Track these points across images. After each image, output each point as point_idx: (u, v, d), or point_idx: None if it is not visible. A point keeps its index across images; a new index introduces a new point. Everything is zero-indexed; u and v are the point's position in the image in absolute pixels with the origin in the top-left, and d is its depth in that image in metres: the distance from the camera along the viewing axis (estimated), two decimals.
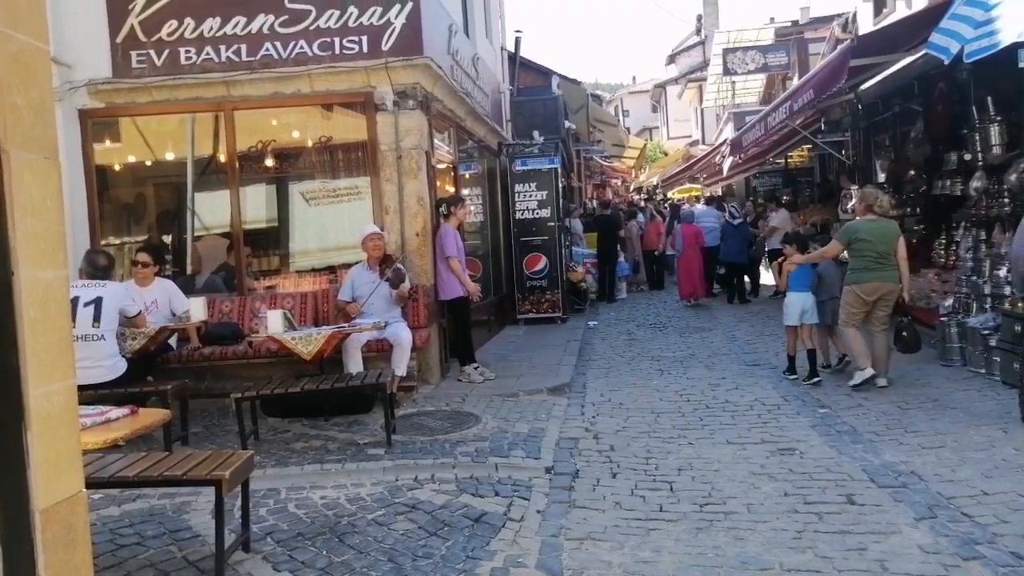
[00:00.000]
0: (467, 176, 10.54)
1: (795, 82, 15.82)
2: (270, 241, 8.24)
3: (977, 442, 4.83)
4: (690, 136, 35.46)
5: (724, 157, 16.50)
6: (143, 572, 3.53)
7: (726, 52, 21.54)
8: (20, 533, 1.44)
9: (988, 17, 6.11)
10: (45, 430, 1.50)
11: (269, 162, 7.92)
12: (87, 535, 1.63)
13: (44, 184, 1.53)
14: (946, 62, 6.49)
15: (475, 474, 4.74)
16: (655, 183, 32.00)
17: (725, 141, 18.82)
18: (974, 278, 7.17)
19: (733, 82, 23.67)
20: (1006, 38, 5.76)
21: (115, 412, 3.17)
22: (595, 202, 21.00)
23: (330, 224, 8.12)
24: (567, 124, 15.07)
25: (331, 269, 7.93)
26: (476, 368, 7.52)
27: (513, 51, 13.91)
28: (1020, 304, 5.40)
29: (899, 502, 3.99)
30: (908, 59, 8.22)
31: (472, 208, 10.38)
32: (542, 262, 11.37)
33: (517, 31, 15.17)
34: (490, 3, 12.39)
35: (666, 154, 35.97)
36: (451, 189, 9.19)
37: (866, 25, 14.35)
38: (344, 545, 3.80)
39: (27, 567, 1.45)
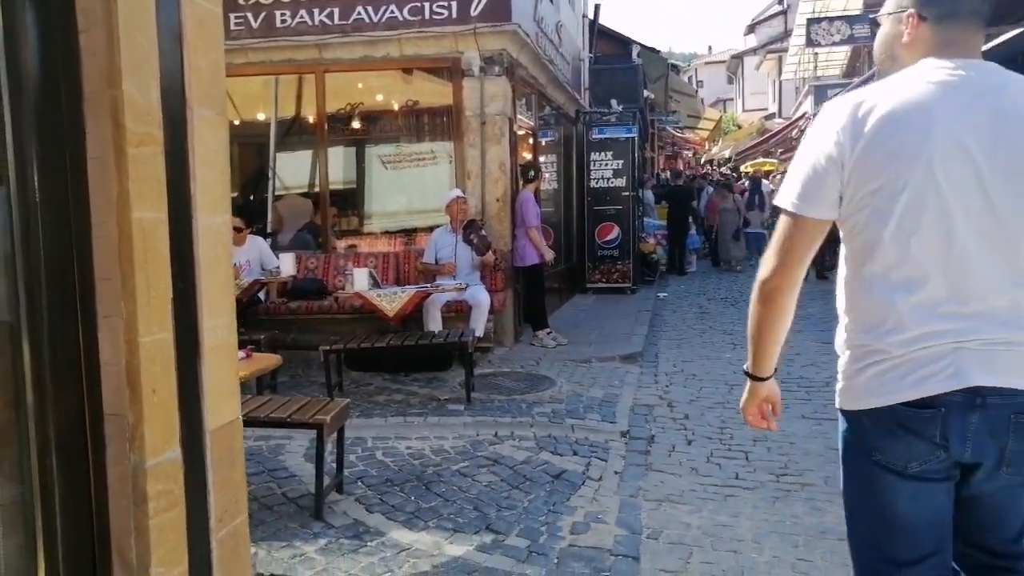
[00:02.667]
0: (544, 143, 10.58)
1: None
2: (352, 202, 8.49)
3: None
4: (766, 109, 34.59)
5: (802, 132, 16.11)
6: (249, 504, 3.78)
7: (810, 22, 20.84)
8: (197, 451, 1.62)
9: None
10: (213, 360, 1.67)
11: (355, 124, 8.13)
12: (242, 456, 1.81)
13: (217, 138, 1.69)
14: None
15: (553, 433, 4.88)
16: (728, 156, 31.39)
17: (804, 115, 18.35)
18: None
19: (816, 54, 22.93)
20: None
21: None
22: (667, 173, 20.79)
23: (411, 187, 8.31)
24: (645, 93, 14.91)
25: (410, 231, 8.16)
26: (549, 333, 7.65)
27: (593, 18, 13.79)
28: None
29: None
30: (1014, 31, 7.89)
31: (547, 176, 10.45)
32: (614, 232, 11.37)
33: None
34: None
35: (739, 127, 35.19)
36: (529, 156, 9.27)
37: None
38: (431, 492, 4.00)
39: (200, 481, 1.64)
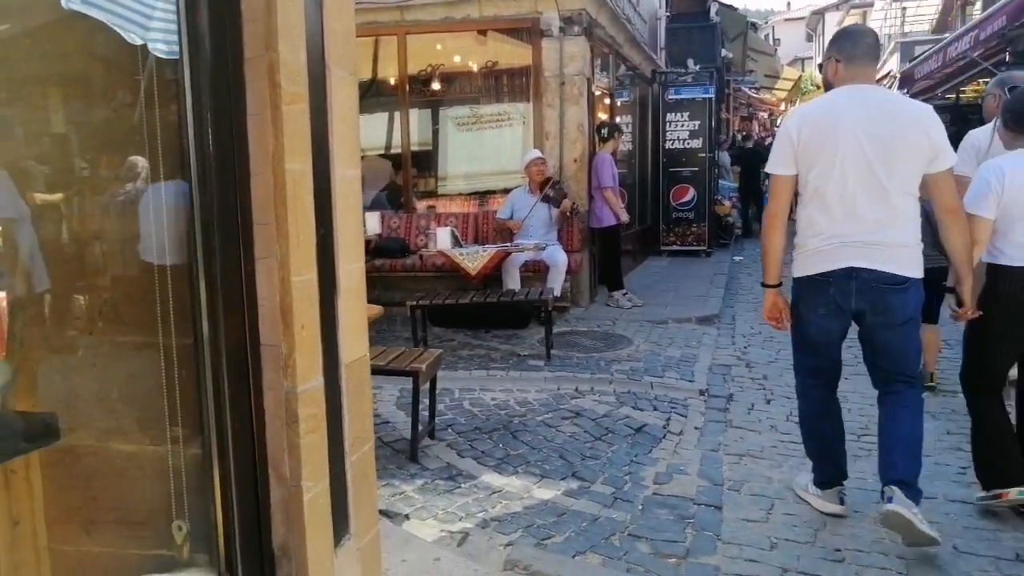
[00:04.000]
0: (620, 103, 10.53)
1: (978, 7, 14.56)
2: (431, 163, 8.65)
3: None
4: None
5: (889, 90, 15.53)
6: None
7: None
8: (335, 381, 1.79)
9: None
10: (348, 300, 1.84)
11: (436, 86, 8.25)
12: (370, 389, 1.99)
13: (350, 96, 1.83)
14: None
15: (632, 390, 5.00)
16: None
17: (889, 73, 17.63)
18: None
19: (904, 8, 22.00)
20: None
21: None
22: (742, 135, 20.35)
23: (488, 148, 8.42)
24: (723, 52, 14.60)
25: (485, 193, 8.29)
26: (625, 294, 7.72)
27: None
28: None
29: None
30: None
31: (624, 137, 10.41)
32: (690, 193, 11.29)
33: None
34: None
35: (818, 87, 33.95)
36: (605, 116, 9.26)
37: None
38: (518, 440, 4.17)
39: (337, 409, 1.81)
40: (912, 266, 3.00)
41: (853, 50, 3.06)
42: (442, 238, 6.39)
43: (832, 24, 35.46)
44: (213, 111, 1.50)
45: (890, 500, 2.93)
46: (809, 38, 41.60)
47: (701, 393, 4.99)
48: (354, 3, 1.86)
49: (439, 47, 8.24)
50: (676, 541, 3.11)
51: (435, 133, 8.64)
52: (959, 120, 17.13)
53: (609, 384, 5.11)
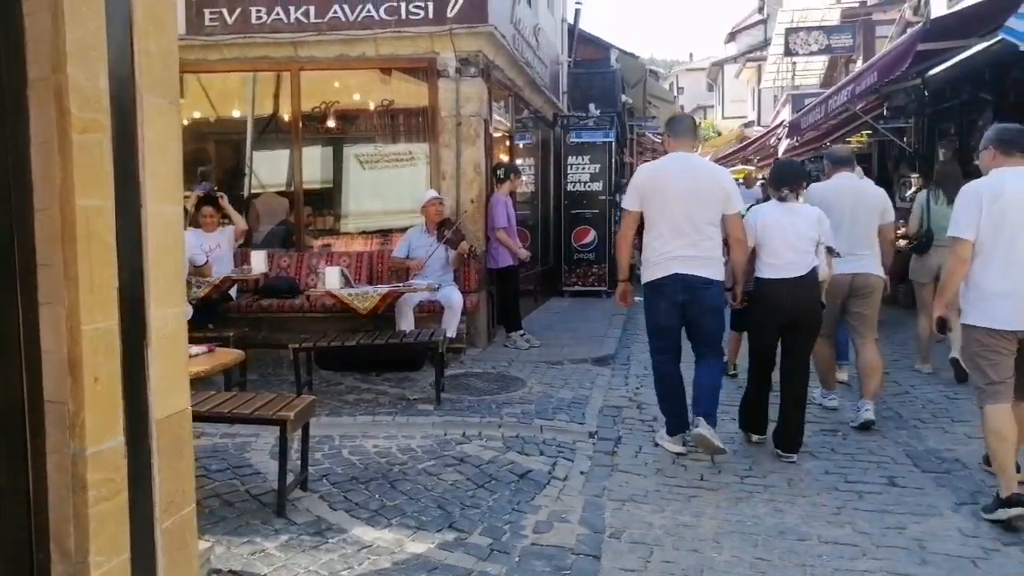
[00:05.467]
0: (521, 146, 10.61)
1: (859, 65, 15.48)
2: (327, 201, 8.45)
3: None
4: (745, 116, 34.82)
5: (780, 139, 16.23)
6: (210, 500, 3.76)
7: (788, 32, 21.06)
8: (141, 440, 1.61)
9: None
10: (161, 349, 1.67)
11: (331, 123, 8.11)
12: (191, 448, 1.81)
13: (168, 126, 1.68)
14: (1022, 48, 6.33)
15: (521, 434, 4.89)
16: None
17: (782, 123, 18.50)
18: None
19: (794, 63, 23.17)
20: None
21: (195, 348, 3.38)
22: None
23: (386, 187, 8.29)
24: (623, 98, 15.00)
25: (385, 232, 8.13)
26: (522, 335, 7.66)
27: (573, 23, 13.84)
28: None
29: (941, 487, 4.04)
30: (981, 45, 8.01)
31: (524, 179, 10.47)
32: (591, 235, 11.43)
33: (577, 3, 15.06)
34: None
35: (719, 134, 35.43)
36: (506, 158, 9.28)
37: (940, 8, 13.93)
38: (396, 491, 3.99)
39: (145, 468, 1.62)
40: (715, 272, 4.54)
41: (678, 129, 4.79)
42: (331, 278, 6.18)
43: (730, 75, 37.26)
44: None
45: (697, 426, 4.38)
46: (710, 88, 43.48)
47: (590, 436, 4.92)
48: (176, 26, 1.71)
49: (336, 84, 8.11)
50: None
51: (336, 170, 8.46)
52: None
53: (498, 428, 4.98)
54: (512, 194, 7.95)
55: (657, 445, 4.71)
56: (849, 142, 16.90)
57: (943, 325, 4.01)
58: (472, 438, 4.80)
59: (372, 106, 8.08)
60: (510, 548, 3.36)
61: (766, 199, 5.46)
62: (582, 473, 4.30)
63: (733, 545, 3.40)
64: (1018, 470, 3.69)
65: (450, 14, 7.10)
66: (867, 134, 15.21)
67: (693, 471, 4.32)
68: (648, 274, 4.57)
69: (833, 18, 21.73)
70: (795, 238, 4.51)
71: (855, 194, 5.31)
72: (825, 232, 4.63)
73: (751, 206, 5.51)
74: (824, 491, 4.01)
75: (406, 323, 6.57)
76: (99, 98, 1.48)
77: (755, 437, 4.80)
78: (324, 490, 3.99)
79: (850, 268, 5.07)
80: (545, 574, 3.14)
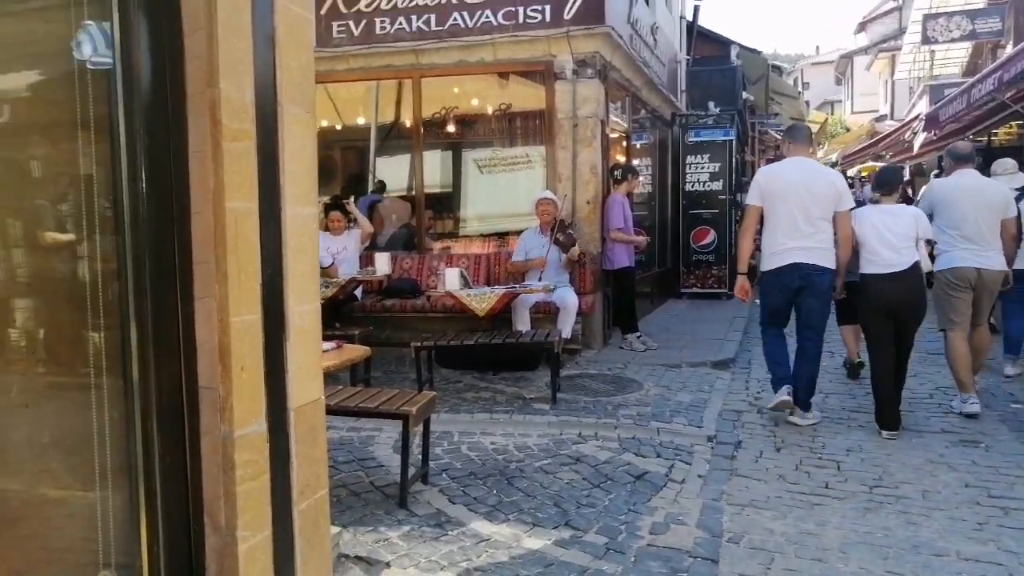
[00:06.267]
0: (638, 146, 10.53)
1: (1008, 50, 14.40)
2: (446, 205, 8.68)
3: None
4: (877, 110, 33.04)
5: (916, 133, 15.32)
6: (338, 490, 3.96)
7: (927, 18, 19.85)
8: (281, 426, 1.73)
9: None
10: (298, 342, 1.79)
11: (450, 128, 8.32)
12: (324, 435, 1.92)
13: (305, 134, 1.80)
14: None
15: (637, 435, 4.87)
16: (834, 160, 30.21)
17: (918, 116, 17.45)
18: None
19: (932, 51, 21.79)
20: None
21: (324, 345, 3.57)
22: None
23: (503, 190, 8.44)
24: (744, 95, 14.59)
25: (502, 234, 8.27)
26: (639, 337, 7.60)
27: (692, 20, 13.59)
28: None
29: None
30: None
31: (642, 179, 10.37)
32: (710, 236, 11.19)
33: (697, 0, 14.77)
34: None
35: (848, 129, 33.81)
36: (622, 159, 9.24)
37: None
38: (513, 487, 4.06)
39: (284, 455, 1.75)
40: (828, 261, 5.07)
41: (797, 136, 5.52)
42: (450, 279, 6.35)
43: (860, 68, 35.47)
44: (147, 148, 1.47)
45: (788, 395, 5.12)
46: (838, 81, 41.56)
47: (708, 440, 4.84)
48: (313, 42, 1.83)
49: (456, 89, 8.33)
50: None
51: (455, 174, 8.69)
52: (992, 162, 16.89)
53: (614, 429, 4.98)
54: (629, 195, 7.90)
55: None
56: (996, 134, 15.81)
57: None
58: (588, 438, 4.82)
59: (490, 110, 8.24)
60: (626, 548, 3.36)
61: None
62: (700, 476, 4.24)
63: (861, 556, 3.26)
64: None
65: (567, 16, 7.15)
66: (1017, 125, 14.13)
67: (817, 479, 4.17)
68: (768, 263, 5.18)
69: (978, 2, 20.31)
70: (892, 236, 4.94)
71: (977, 191, 5.43)
72: (923, 229, 5.03)
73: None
74: (964, 504, 3.78)
75: (522, 324, 6.66)
76: (247, 109, 1.61)
77: (887, 434, 4.91)
78: (444, 484, 4.12)
79: (974, 263, 5.31)
80: (661, 575, 3.12)
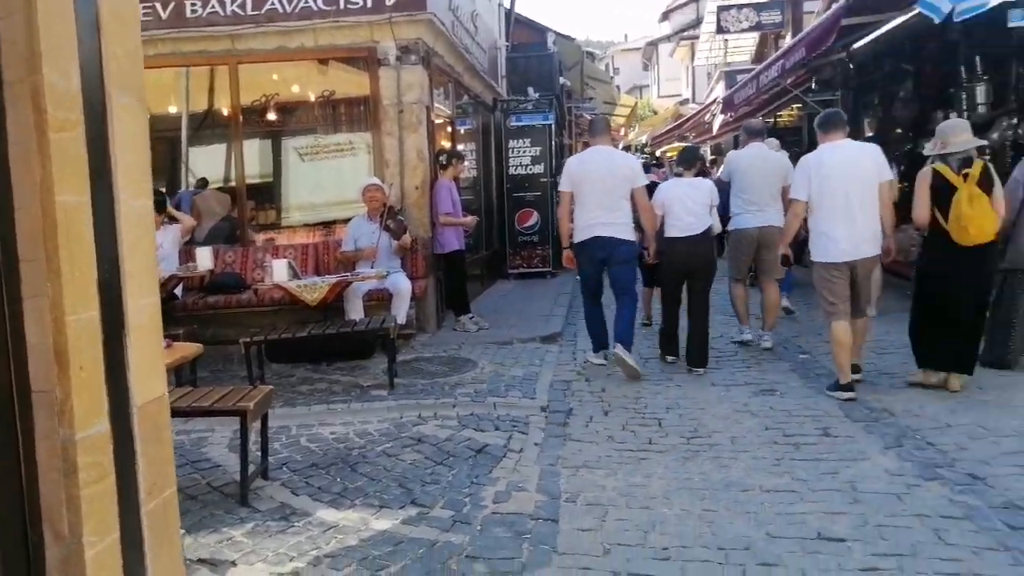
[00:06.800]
0: (463, 131, 10.69)
1: (788, 41, 15.94)
2: (268, 195, 8.42)
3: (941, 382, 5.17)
4: (680, 95, 35.39)
5: (714, 116, 16.63)
6: None
7: (720, 9, 21.49)
8: (124, 425, 1.70)
9: None
10: (139, 338, 1.75)
11: (271, 116, 8.06)
12: (169, 431, 1.89)
13: (136, 123, 1.76)
14: (937, 21, 6.64)
15: (475, 412, 5.04)
16: (644, 141, 32.07)
17: (716, 100, 18.93)
18: None
19: (726, 40, 23.65)
20: None
21: None
22: None
23: (329, 178, 8.30)
24: (561, 80, 15.16)
25: (329, 223, 8.15)
26: (471, 318, 7.80)
27: (509, 7, 13.92)
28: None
29: (870, 434, 4.34)
30: (901, 18, 8.39)
31: (467, 164, 10.56)
32: (534, 217, 11.60)
33: None
34: None
35: (655, 112, 35.97)
36: (448, 144, 9.36)
37: None
38: (356, 473, 4.10)
39: (129, 452, 1.72)
40: (627, 234, 5.83)
41: (596, 129, 6.39)
42: (278, 270, 6.21)
43: (664, 54, 37.75)
44: None
45: (616, 348, 5.71)
46: (645, 67, 44.02)
47: (542, 410, 5.10)
48: (139, 28, 1.79)
49: (275, 76, 8.07)
50: (513, 558, 3.14)
51: (276, 164, 8.42)
52: (779, 141, 18.54)
53: (453, 408, 5.13)
54: (456, 179, 8.05)
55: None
56: (781, 116, 17.47)
57: (787, 260, 5.64)
58: (428, 419, 4.94)
59: (312, 97, 8.07)
60: (471, 518, 3.51)
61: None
62: (536, 445, 4.48)
63: (682, 500, 3.61)
64: (857, 371, 5.18)
65: (389, 2, 7.13)
66: (797, 107, 15.70)
67: (642, 436, 4.54)
68: (578, 236, 5.91)
69: None
70: (693, 204, 5.90)
71: (764, 160, 6.60)
72: (714, 197, 6.04)
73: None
74: (764, 445, 4.27)
75: (356, 312, 6.64)
76: (73, 97, 1.55)
77: (670, 358, 6.24)
78: (285, 477, 4.08)
79: (757, 222, 6.46)
80: (507, 539, 3.30)
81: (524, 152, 11.59)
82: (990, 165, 4.96)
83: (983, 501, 3.42)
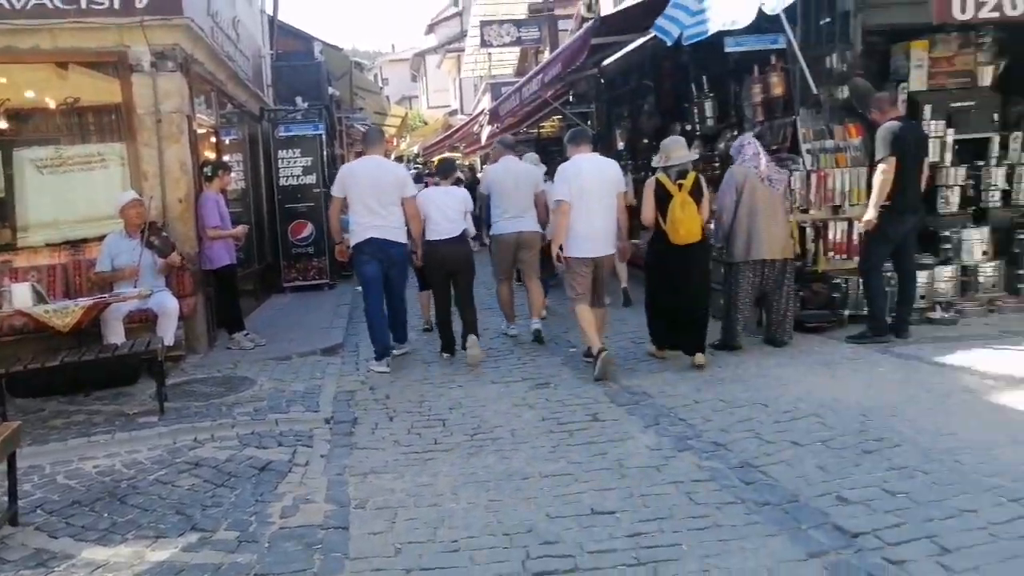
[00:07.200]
0: (228, 142, 10.22)
1: (546, 56, 16.93)
2: (6, 212, 7.50)
3: (690, 364, 5.82)
4: (449, 105, 36.28)
5: (482, 126, 17.27)
6: None
7: (483, 24, 22.34)
8: None
9: (701, 7, 7.11)
10: None
11: (2, 124, 7.21)
12: None
13: None
14: (669, 43, 7.44)
15: (256, 430, 4.89)
16: (416, 151, 32.43)
17: (483, 111, 19.64)
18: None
19: (490, 54, 24.62)
20: (713, 27, 6.76)
21: None
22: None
23: (76, 193, 7.54)
24: (330, 90, 14.96)
25: (78, 242, 7.41)
26: (246, 335, 7.50)
27: (272, 15, 13.51)
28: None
29: (632, 415, 4.78)
30: (641, 40, 9.26)
31: (234, 175, 10.10)
32: (308, 229, 11.36)
33: None
34: None
35: (426, 123, 36.49)
36: (212, 155, 8.91)
37: (608, 6, 15.69)
38: (127, 506, 3.83)
39: None
40: (400, 236, 6.29)
41: (370, 140, 6.81)
42: (20, 295, 5.58)
43: (432, 66, 38.45)
44: None
45: (394, 350, 6.62)
46: (414, 78, 44.50)
47: (327, 422, 5.05)
48: None
49: (3, 80, 7.22)
50: (305, 569, 3.11)
51: (7, 178, 7.51)
52: (544, 151, 19.69)
53: (232, 428, 4.92)
54: (223, 191, 7.70)
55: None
56: (544, 127, 18.51)
57: (559, 258, 5.99)
58: (205, 442, 4.71)
59: (53, 104, 7.32)
60: (259, 536, 3.42)
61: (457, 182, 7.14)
62: (322, 456, 4.44)
63: (468, 494, 3.77)
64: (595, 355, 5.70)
65: (139, 5, 6.64)
66: (559, 119, 16.74)
67: (427, 437, 4.65)
68: (354, 239, 6.25)
69: (521, 12, 23.41)
70: (449, 211, 6.51)
71: (516, 172, 7.14)
72: (468, 204, 6.72)
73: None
74: (542, 435, 4.55)
75: (115, 336, 6.12)
76: None
77: (445, 355, 6.71)
78: (40, 521, 3.71)
79: (515, 227, 6.97)
80: (297, 552, 3.26)
81: (295, 162, 11.32)
82: (701, 177, 5.93)
83: (724, 464, 3.92)
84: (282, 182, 11.28)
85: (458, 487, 3.86)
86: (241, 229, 7.66)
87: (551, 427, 4.69)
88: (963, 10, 5.83)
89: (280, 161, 11.26)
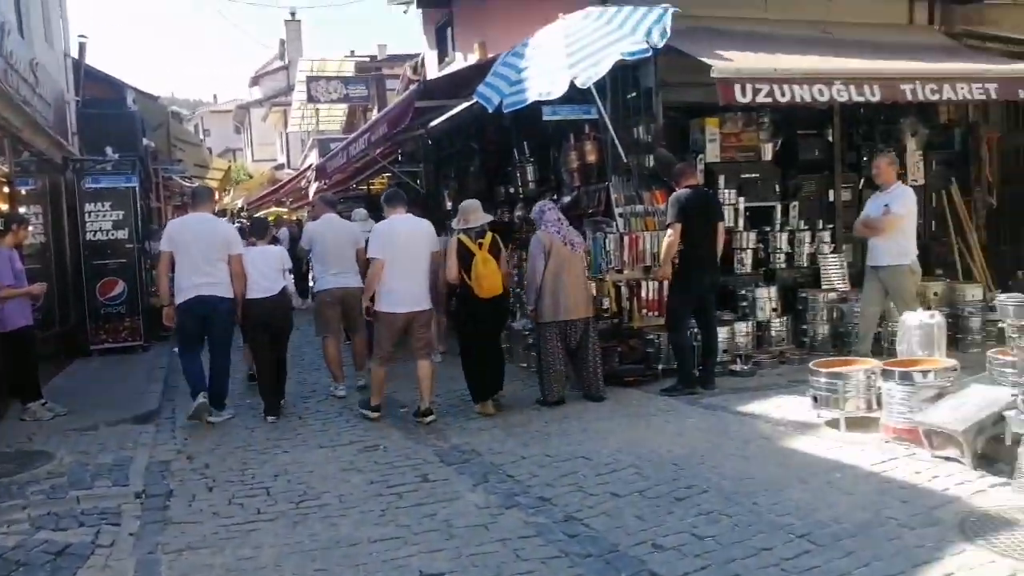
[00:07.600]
0: (24, 192, 9.42)
1: (374, 114, 17.06)
2: None
3: (519, 420, 6.00)
4: (276, 159, 35.46)
5: (310, 182, 16.99)
6: None
7: (310, 80, 22.18)
8: None
9: (519, 78, 7.53)
10: None
11: None
12: None
13: None
14: (490, 110, 7.78)
15: (53, 510, 4.46)
16: (241, 205, 31.28)
17: (311, 166, 19.36)
18: (517, 289, 8.66)
19: (317, 109, 24.43)
20: (531, 96, 7.17)
21: None
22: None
23: None
24: (146, 141, 14.21)
25: None
26: (44, 404, 6.86)
27: (78, 58, 12.70)
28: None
29: (462, 474, 4.83)
30: (464, 104, 9.60)
31: (31, 229, 9.29)
32: (120, 287, 10.61)
33: (82, 36, 13.82)
34: (49, 3, 11.24)
35: (251, 176, 35.36)
36: (5, 207, 8.18)
37: (433, 70, 16.13)
38: None
39: None
40: (226, 292, 6.35)
41: (198, 198, 6.89)
42: None
43: (257, 119, 37.50)
44: None
45: (202, 398, 6.30)
46: (237, 130, 43.13)
47: (137, 496, 4.70)
48: None
49: None
50: None
51: None
52: (372, 207, 19.63)
53: (23, 509, 4.46)
54: (18, 246, 7.07)
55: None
56: (374, 183, 18.51)
57: (368, 312, 6.35)
58: None
59: None
60: None
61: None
62: (131, 535, 4.12)
63: (294, 565, 3.64)
64: (429, 413, 6.08)
65: None
66: (388, 176, 16.82)
67: (250, 507, 4.45)
68: (180, 297, 6.27)
69: (349, 69, 23.50)
70: (267, 269, 6.65)
71: (336, 228, 7.44)
72: (286, 261, 6.91)
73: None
74: (371, 499, 4.49)
75: None
76: None
77: (270, 418, 6.51)
78: None
79: (339, 283, 7.19)
80: None
81: (105, 216, 10.60)
82: (497, 237, 6.41)
83: (549, 518, 4.05)
84: (89, 236, 10.50)
85: (282, 559, 3.72)
86: (39, 287, 7.03)
87: (380, 490, 4.64)
88: (743, 94, 6.58)
89: (88, 214, 10.50)
